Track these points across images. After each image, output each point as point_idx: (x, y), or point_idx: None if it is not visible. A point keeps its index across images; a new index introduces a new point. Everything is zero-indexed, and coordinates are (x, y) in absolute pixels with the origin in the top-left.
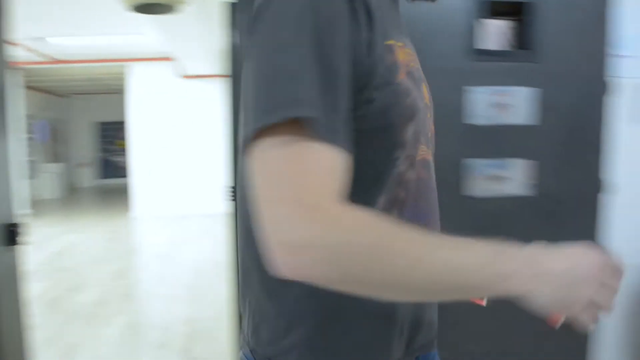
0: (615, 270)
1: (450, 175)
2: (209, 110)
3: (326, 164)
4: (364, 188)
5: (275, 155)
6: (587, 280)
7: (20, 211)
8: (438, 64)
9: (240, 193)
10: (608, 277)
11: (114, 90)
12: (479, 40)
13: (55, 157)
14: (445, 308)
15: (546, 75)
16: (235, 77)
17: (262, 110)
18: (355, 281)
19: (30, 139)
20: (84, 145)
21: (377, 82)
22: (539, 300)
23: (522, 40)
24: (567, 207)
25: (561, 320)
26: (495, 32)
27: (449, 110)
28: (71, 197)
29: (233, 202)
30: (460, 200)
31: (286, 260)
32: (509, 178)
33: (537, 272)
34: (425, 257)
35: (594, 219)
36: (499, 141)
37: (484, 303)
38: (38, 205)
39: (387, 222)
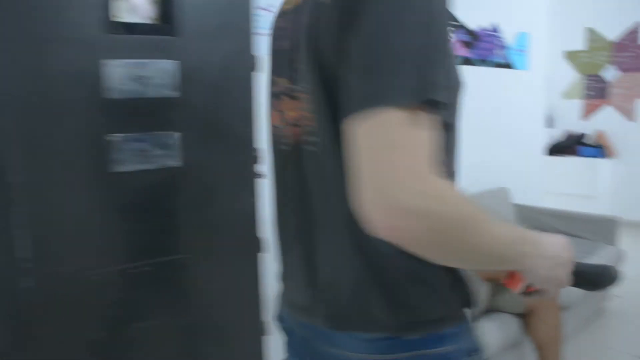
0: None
1: (94, 153)
2: None
3: (434, 140)
4: (449, 153)
5: (398, 126)
6: (562, 264)
7: None
8: (73, 35)
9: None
10: (571, 262)
11: None
12: (117, 13)
13: None
14: None
15: (187, 49)
16: None
17: (405, 88)
18: (440, 248)
19: None
20: None
21: (452, 60)
22: (531, 276)
23: (163, 14)
24: (220, 177)
25: (521, 287)
26: (135, 5)
27: (88, 85)
28: None
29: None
30: (107, 177)
31: (389, 222)
32: (154, 151)
33: (539, 254)
34: (492, 234)
35: (251, 187)
36: (142, 114)
37: (517, 289)
38: None
39: (469, 199)
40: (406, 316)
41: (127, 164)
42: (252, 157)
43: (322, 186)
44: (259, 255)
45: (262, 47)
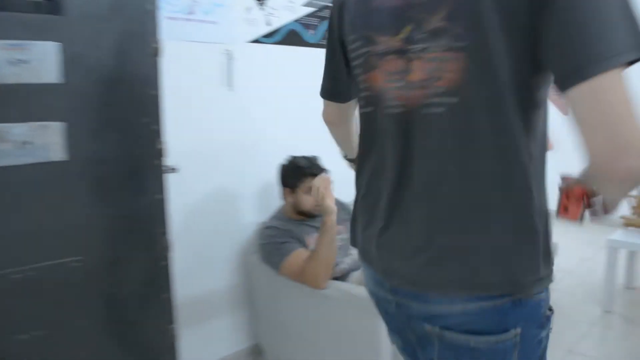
0: None
1: None
2: None
3: None
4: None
5: (622, 83)
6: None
7: None
8: None
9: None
10: None
11: None
12: None
13: None
14: None
15: (73, 30)
16: None
17: (625, 50)
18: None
19: None
20: None
21: None
22: (608, 198)
23: None
24: (117, 172)
25: (581, 212)
26: None
27: None
28: None
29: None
30: None
31: (630, 164)
32: (36, 143)
33: None
34: None
35: (159, 183)
36: (21, 102)
37: (579, 214)
38: None
39: None
40: (526, 278)
41: (5, 158)
42: (157, 150)
43: (456, 147)
44: (168, 255)
45: (170, 31)
